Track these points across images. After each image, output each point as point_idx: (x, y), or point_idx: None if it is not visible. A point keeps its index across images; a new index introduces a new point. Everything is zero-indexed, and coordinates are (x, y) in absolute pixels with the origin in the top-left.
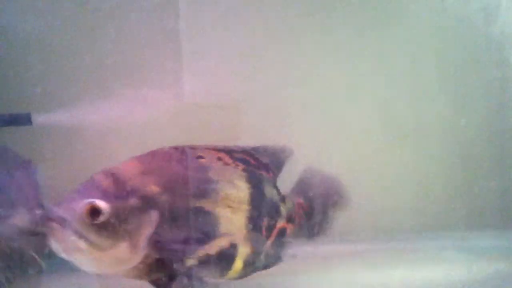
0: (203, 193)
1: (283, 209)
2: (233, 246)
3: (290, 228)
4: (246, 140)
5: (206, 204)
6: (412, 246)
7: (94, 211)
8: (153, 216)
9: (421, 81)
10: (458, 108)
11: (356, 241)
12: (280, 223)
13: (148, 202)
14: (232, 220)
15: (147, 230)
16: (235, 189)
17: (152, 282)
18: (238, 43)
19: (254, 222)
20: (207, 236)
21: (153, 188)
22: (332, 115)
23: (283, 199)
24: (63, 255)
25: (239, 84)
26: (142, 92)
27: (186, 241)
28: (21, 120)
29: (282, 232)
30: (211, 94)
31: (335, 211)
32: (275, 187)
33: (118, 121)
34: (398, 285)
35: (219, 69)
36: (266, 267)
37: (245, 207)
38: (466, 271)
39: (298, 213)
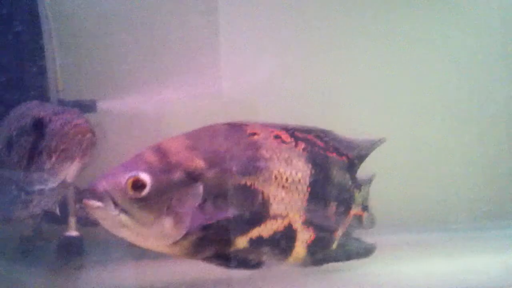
0: (252, 170)
1: (358, 196)
2: (290, 230)
3: (365, 215)
4: None
5: (255, 182)
6: (483, 234)
7: (138, 184)
8: (198, 191)
9: (486, 73)
10: None
11: (423, 231)
12: (355, 210)
13: (192, 177)
14: (286, 201)
15: (191, 205)
16: (291, 168)
17: (204, 260)
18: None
19: (316, 205)
20: (256, 216)
21: (198, 163)
22: (396, 107)
23: (359, 186)
24: (111, 231)
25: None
26: (186, 86)
27: (232, 219)
28: (86, 106)
29: (358, 220)
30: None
31: None
32: (349, 172)
33: (167, 110)
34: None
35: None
36: (348, 257)
37: (304, 188)
38: None
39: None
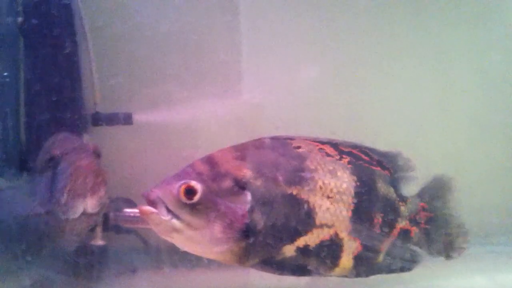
0: (298, 181)
1: (404, 209)
2: (336, 239)
3: (415, 231)
4: None
5: (300, 192)
6: None
7: (189, 191)
8: (245, 199)
9: None
10: None
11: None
12: (402, 224)
13: (240, 185)
14: (331, 211)
15: (239, 212)
16: (336, 180)
17: (253, 267)
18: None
19: (362, 216)
20: (302, 224)
21: (246, 172)
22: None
23: (404, 199)
24: (162, 236)
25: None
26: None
27: (279, 228)
28: (123, 119)
29: (405, 234)
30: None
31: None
32: (393, 185)
33: (198, 119)
34: None
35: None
36: (392, 270)
37: (348, 199)
38: None
39: (423, 216)
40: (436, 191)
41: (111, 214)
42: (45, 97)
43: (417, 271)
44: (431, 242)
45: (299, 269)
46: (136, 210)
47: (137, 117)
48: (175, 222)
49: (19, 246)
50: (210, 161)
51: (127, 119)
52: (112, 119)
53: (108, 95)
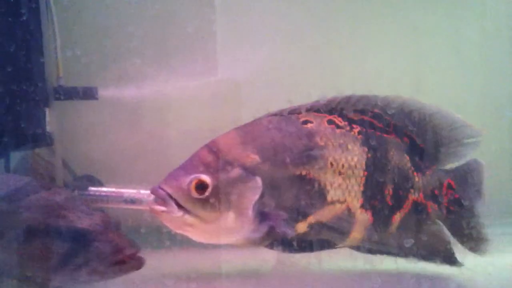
0: (307, 161)
1: (419, 180)
2: (349, 214)
3: (433, 207)
4: None
5: (311, 171)
6: None
7: (200, 185)
8: (256, 184)
9: None
10: None
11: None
12: (415, 196)
13: (249, 171)
14: (343, 187)
15: (251, 198)
16: (347, 154)
17: (267, 247)
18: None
19: (373, 188)
20: (313, 203)
21: (253, 157)
22: None
23: (421, 169)
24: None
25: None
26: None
27: (291, 209)
28: (87, 93)
29: (419, 208)
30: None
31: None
32: (410, 154)
33: (169, 96)
34: None
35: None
36: (406, 248)
37: (360, 172)
38: None
39: (447, 195)
40: (470, 174)
41: (76, 193)
42: (2, 68)
43: None
44: (454, 226)
45: (310, 245)
46: (101, 189)
47: (103, 92)
48: (187, 217)
49: None
50: (215, 149)
51: (92, 94)
52: (75, 93)
53: (73, 68)
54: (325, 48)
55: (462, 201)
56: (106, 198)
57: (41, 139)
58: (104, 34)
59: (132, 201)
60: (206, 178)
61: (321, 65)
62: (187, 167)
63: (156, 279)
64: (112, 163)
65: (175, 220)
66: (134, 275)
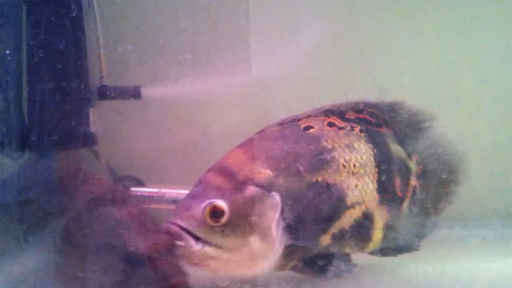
0: (320, 165)
1: (412, 165)
2: (368, 215)
3: (419, 185)
4: None
5: (326, 176)
6: None
7: (215, 212)
8: (274, 200)
9: None
10: None
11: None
12: (413, 181)
13: (264, 188)
14: (359, 187)
15: (272, 216)
16: (355, 153)
17: (293, 270)
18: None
19: (385, 184)
20: (334, 209)
21: (265, 172)
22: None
23: (409, 155)
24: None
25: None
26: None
27: (314, 220)
28: (131, 93)
29: (415, 192)
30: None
31: (449, 188)
32: (399, 143)
33: (206, 96)
34: None
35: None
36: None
37: (372, 169)
38: None
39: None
40: (429, 145)
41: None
42: (48, 67)
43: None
44: (420, 198)
45: (336, 261)
46: (143, 189)
47: (146, 91)
48: (208, 249)
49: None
50: (224, 170)
51: (135, 93)
52: (119, 93)
53: (116, 67)
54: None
55: (424, 172)
56: (148, 198)
57: (85, 139)
58: (148, 31)
59: (174, 201)
60: (220, 202)
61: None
62: (197, 194)
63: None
64: (153, 163)
65: (195, 254)
66: None
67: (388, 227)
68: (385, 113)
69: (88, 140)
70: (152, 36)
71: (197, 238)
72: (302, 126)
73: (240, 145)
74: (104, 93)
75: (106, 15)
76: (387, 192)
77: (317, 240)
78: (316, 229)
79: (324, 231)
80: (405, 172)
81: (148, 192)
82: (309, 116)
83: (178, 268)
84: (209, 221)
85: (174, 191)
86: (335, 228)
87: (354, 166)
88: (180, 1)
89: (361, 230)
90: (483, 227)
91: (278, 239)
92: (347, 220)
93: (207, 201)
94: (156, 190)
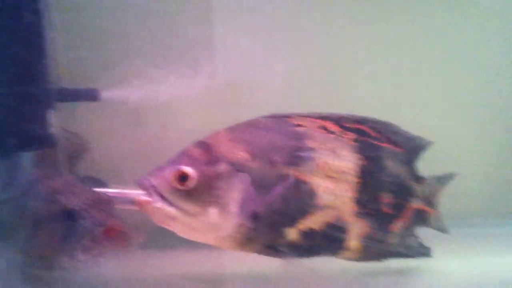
0: (296, 161)
1: (418, 189)
2: (341, 222)
3: (433, 214)
4: None
5: (300, 173)
6: None
7: (182, 177)
8: (242, 182)
9: None
10: None
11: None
12: (416, 204)
13: (236, 168)
14: (334, 192)
15: (236, 196)
16: (338, 159)
17: (256, 252)
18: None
19: (368, 197)
20: (303, 206)
21: (242, 155)
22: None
23: (419, 179)
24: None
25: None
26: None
27: (280, 210)
28: (89, 95)
29: (421, 216)
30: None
31: None
32: (408, 164)
33: (166, 98)
34: None
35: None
36: (407, 255)
37: (352, 178)
38: None
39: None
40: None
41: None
42: (6, 69)
43: None
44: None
45: (303, 252)
46: (105, 190)
47: (105, 94)
48: (170, 209)
49: None
50: (203, 145)
51: (94, 96)
52: (77, 95)
53: (74, 69)
54: None
55: None
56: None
57: (44, 141)
58: (106, 35)
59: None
60: (189, 169)
61: None
62: (174, 160)
63: (167, 280)
64: (113, 164)
65: (158, 212)
66: (145, 275)
67: (369, 240)
68: (396, 133)
69: (47, 141)
70: (115, 38)
71: (162, 197)
72: (292, 123)
73: (228, 127)
74: (61, 96)
75: (66, 18)
76: (368, 206)
77: (281, 230)
78: (280, 220)
79: (289, 225)
80: (404, 192)
81: (110, 193)
82: (307, 116)
83: (111, 214)
84: (175, 184)
85: (137, 191)
86: (302, 225)
87: (332, 170)
88: (144, 1)
89: (332, 235)
90: None
91: (237, 218)
92: (317, 221)
93: (178, 166)
94: (118, 190)
